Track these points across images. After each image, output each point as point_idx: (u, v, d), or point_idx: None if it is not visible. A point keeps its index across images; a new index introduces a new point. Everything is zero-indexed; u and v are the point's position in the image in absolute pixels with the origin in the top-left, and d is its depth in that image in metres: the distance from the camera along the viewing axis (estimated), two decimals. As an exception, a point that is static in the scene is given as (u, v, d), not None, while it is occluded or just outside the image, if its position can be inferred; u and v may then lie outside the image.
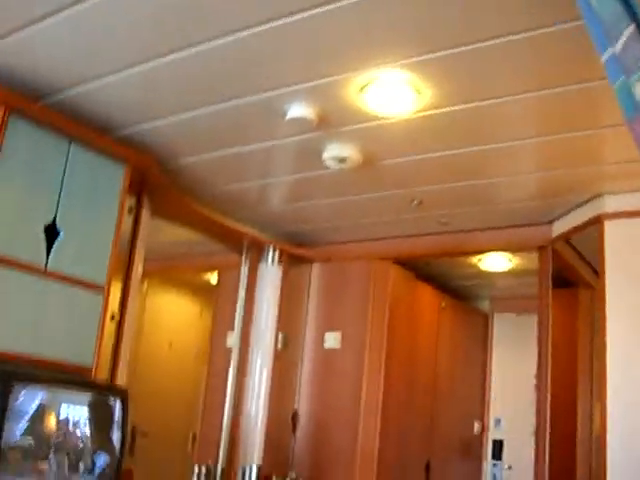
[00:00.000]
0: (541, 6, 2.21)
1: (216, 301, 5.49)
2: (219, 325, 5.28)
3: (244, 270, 5.00)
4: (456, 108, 2.95)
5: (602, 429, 3.60)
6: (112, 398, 3.14)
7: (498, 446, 6.12)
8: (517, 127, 3.12)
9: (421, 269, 5.48)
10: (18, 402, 2.70)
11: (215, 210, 4.58)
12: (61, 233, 3.16)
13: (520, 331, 5.90)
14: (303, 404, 5.06)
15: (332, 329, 5.07)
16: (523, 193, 3.93)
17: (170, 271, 5.59)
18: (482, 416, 6.21)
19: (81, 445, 2.96)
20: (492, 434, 6.18)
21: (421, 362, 5.48)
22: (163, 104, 3.21)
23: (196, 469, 4.68)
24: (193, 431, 5.19)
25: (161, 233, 4.76)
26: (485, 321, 6.44)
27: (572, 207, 4.07)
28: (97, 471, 3.00)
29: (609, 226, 3.76)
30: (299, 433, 5.01)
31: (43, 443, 2.80)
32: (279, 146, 3.51)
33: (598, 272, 3.85)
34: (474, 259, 5.20)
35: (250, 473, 4.64)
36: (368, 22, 2.40)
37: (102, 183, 3.40)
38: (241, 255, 5.02)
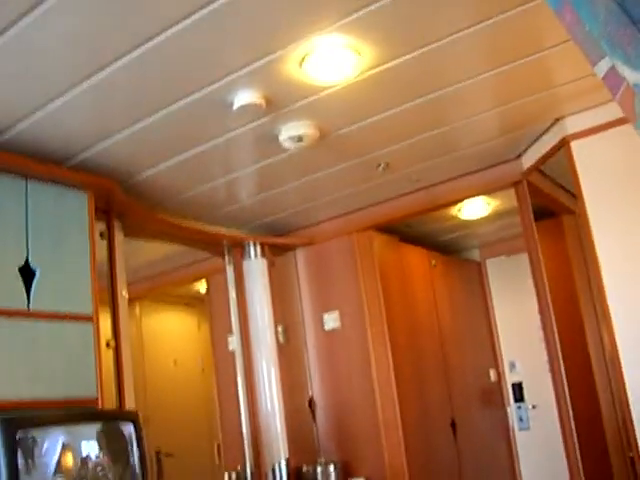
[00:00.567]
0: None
1: (210, 308, 5.47)
2: (218, 331, 5.25)
3: (230, 271, 4.97)
4: (400, 60, 2.91)
5: (613, 349, 3.61)
6: (123, 423, 3.11)
7: (518, 388, 6.14)
8: (465, 66, 3.08)
9: (404, 232, 5.47)
10: (40, 449, 2.68)
11: (187, 217, 4.55)
12: (37, 272, 3.11)
13: (514, 271, 5.90)
14: (317, 389, 5.05)
15: (329, 310, 5.05)
16: (486, 132, 3.91)
17: (158, 289, 5.55)
18: (496, 363, 6.22)
19: (103, 475, 2.92)
20: (509, 378, 6.19)
21: (424, 324, 5.47)
22: (112, 120, 3.16)
23: (226, 477, 4.66)
24: (217, 442, 5.16)
25: (140, 253, 4.73)
26: (478, 269, 6.44)
27: (537, 136, 4.07)
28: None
29: (576, 146, 3.76)
30: (319, 419, 5.00)
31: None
32: (235, 138, 3.46)
33: (576, 195, 3.84)
34: (453, 210, 5.19)
35: (280, 469, 4.62)
36: (292, -8, 2.38)
37: (68, 214, 3.35)
38: (224, 257, 4.98)
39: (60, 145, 3.29)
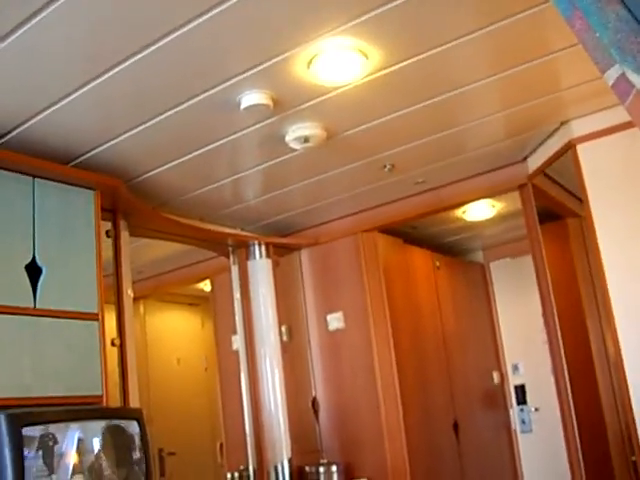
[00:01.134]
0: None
1: (214, 308, 5.47)
2: (222, 331, 5.27)
3: (235, 271, 4.98)
4: (407, 63, 2.92)
5: (616, 352, 3.61)
6: (128, 421, 3.11)
7: (520, 391, 6.14)
8: (472, 69, 3.09)
9: (409, 234, 5.48)
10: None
11: (193, 217, 4.56)
12: (43, 270, 3.12)
13: (518, 274, 5.90)
14: (320, 390, 5.05)
15: (333, 310, 5.05)
16: (492, 135, 3.91)
17: (163, 289, 5.56)
18: (499, 365, 6.22)
19: (109, 473, 2.93)
20: (512, 380, 6.19)
21: (427, 325, 5.48)
22: (119, 121, 3.17)
23: (229, 476, 4.67)
24: (219, 441, 5.17)
25: (145, 252, 4.74)
26: (482, 272, 6.45)
27: (543, 139, 4.07)
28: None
29: (582, 150, 3.76)
30: (322, 419, 5.00)
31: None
32: (241, 138, 3.47)
33: (581, 199, 3.84)
34: (458, 212, 5.19)
35: (282, 468, 4.63)
36: (301, -6, 2.38)
37: (74, 213, 3.36)
38: (228, 257, 4.99)
39: (67, 145, 3.30)
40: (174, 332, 5.64)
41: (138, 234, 4.15)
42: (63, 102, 2.89)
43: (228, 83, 2.91)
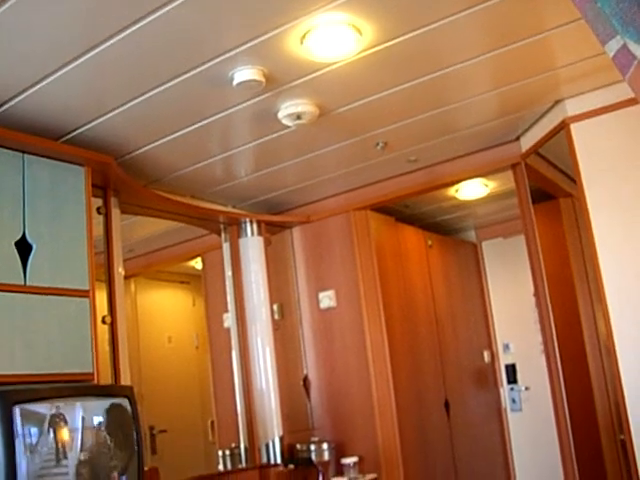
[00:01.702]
0: None
1: (205, 286, 5.46)
2: (213, 309, 5.26)
3: (226, 248, 4.97)
4: (400, 39, 2.89)
5: (608, 332, 3.61)
6: (119, 398, 3.11)
7: (511, 370, 6.16)
8: (465, 46, 3.06)
9: (401, 212, 5.47)
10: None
11: (184, 194, 4.55)
12: (33, 246, 3.10)
13: (510, 254, 5.91)
14: (312, 368, 5.06)
15: (324, 289, 5.05)
16: (485, 114, 3.89)
17: (154, 266, 5.54)
18: (490, 344, 6.24)
19: (105, 451, 2.94)
20: (503, 359, 6.21)
21: (419, 304, 5.48)
22: (109, 96, 3.14)
23: (220, 454, 4.68)
24: (211, 419, 5.18)
25: (136, 230, 4.72)
26: (474, 251, 6.45)
27: (536, 118, 4.05)
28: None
29: (576, 129, 3.75)
30: (313, 397, 5.01)
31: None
32: (234, 115, 3.44)
33: (574, 178, 3.83)
34: (451, 191, 5.18)
35: (274, 446, 4.64)
36: (294, -33, 2.36)
37: (65, 189, 3.33)
38: (220, 234, 4.98)
39: (57, 120, 3.27)
40: (165, 310, 5.62)
41: (129, 211, 4.13)
42: (53, 77, 2.86)
43: (220, 58, 2.88)
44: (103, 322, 3.60)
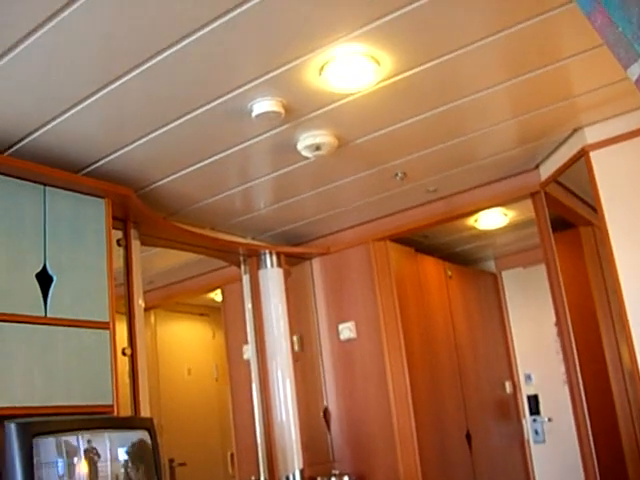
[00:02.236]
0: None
1: (225, 317, 5.46)
2: (233, 341, 5.25)
3: (246, 280, 4.96)
4: (419, 69, 2.90)
5: (633, 362, 3.56)
6: (139, 430, 3.09)
7: (534, 401, 6.10)
8: (484, 75, 3.07)
9: (420, 242, 5.46)
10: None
11: (204, 226, 4.56)
12: (54, 278, 3.11)
13: (531, 283, 5.89)
14: (332, 399, 5.03)
15: (344, 320, 5.03)
16: (504, 143, 3.88)
17: (174, 298, 5.55)
18: (511, 375, 6.18)
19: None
20: (525, 390, 6.16)
21: (440, 335, 5.45)
22: (129, 129, 3.16)
23: (240, 487, 4.65)
24: (230, 451, 5.15)
25: (156, 262, 4.73)
26: (494, 281, 6.42)
27: (555, 147, 4.04)
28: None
29: (595, 157, 3.73)
30: (334, 429, 4.98)
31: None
32: (253, 146, 3.46)
33: (595, 207, 3.81)
34: (470, 221, 5.16)
35: (294, 479, 4.60)
36: (313, 1, 2.36)
37: (85, 221, 3.35)
38: (239, 266, 4.98)
39: (78, 153, 3.30)
40: (185, 342, 5.63)
41: (149, 243, 4.14)
42: (74, 110, 2.89)
43: (240, 90, 2.90)
44: (123, 354, 3.60)
